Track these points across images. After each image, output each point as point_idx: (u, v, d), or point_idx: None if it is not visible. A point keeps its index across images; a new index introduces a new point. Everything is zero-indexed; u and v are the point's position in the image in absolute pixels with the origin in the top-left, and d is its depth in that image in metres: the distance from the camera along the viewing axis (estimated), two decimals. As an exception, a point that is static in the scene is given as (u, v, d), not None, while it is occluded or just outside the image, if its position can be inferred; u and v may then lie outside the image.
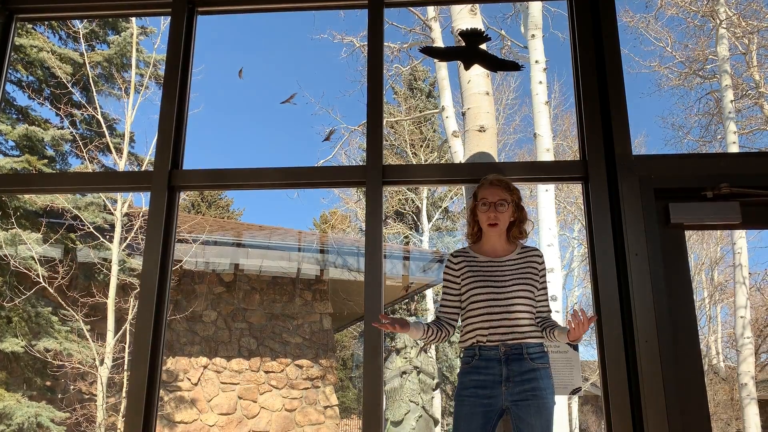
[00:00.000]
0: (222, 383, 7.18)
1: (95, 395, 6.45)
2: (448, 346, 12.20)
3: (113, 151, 7.28)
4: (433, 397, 7.98)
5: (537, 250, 2.32)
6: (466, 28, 3.24)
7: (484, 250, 2.29)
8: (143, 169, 7.18)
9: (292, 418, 7.29)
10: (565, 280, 12.75)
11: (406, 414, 7.31)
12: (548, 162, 4.31)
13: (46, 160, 6.90)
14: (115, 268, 6.55)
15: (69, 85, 7.29)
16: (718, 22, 9.28)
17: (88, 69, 7.37)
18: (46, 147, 7.23)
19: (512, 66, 3.05)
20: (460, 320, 2.28)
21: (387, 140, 12.96)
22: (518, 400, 2.10)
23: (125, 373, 6.33)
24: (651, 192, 2.51)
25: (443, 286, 2.32)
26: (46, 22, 7.48)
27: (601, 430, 12.21)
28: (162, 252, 2.60)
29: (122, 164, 7.18)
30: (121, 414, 6.38)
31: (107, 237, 6.71)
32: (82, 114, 7.55)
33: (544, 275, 2.28)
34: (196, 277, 7.48)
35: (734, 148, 8.82)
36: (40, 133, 6.96)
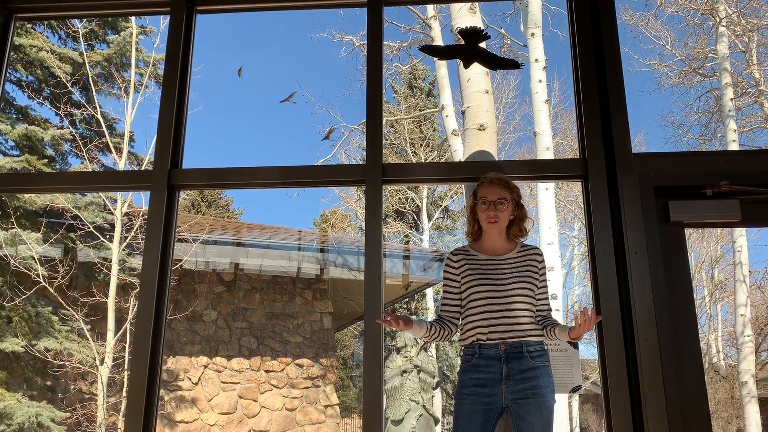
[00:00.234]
0: (222, 383, 7.18)
1: (96, 395, 6.46)
2: (448, 345, 12.21)
3: (113, 150, 7.28)
4: (433, 396, 7.98)
5: (537, 248, 2.32)
6: (466, 27, 3.24)
7: (483, 248, 2.30)
8: (143, 168, 7.18)
9: (292, 418, 7.29)
10: (566, 278, 12.75)
11: (406, 413, 7.31)
12: (548, 160, 4.31)
13: (45, 160, 6.90)
14: (115, 267, 6.55)
15: (69, 85, 7.29)
16: (718, 20, 9.28)
17: (87, 68, 7.37)
18: (46, 147, 7.23)
19: (512, 64, 3.05)
20: (461, 318, 2.28)
21: (387, 139, 12.96)
22: (518, 399, 2.10)
23: (125, 372, 6.33)
24: (651, 190, 2.51)
25: (443, 285, 2.32)
26: (46, 22, 7.47)
27: (601, 429, 12.21)
28: (162, 251, 2.60)
29: (122, 164, 7.18)
30: (121, 413, 6.38)
31: (107, 236, 6.71)
32: (82, 113, 7.54)
33: (544, 273, 2.28)
34: (197, 277, 7.48)
35: (734, 146, 8.81)
36: (40, 132, 6.96)
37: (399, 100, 14.56)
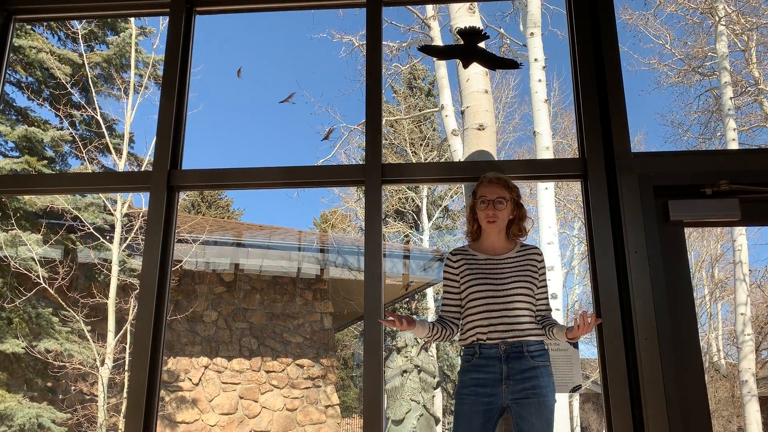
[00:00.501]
0: (223, 383, 7.19)
1: (96, 396, 6.46)
2: (448, 345, 12.21)
3: (113, 151, 7.28)
4: (434, 396, 7.99)
5: (536, 248, 2.32)
6: (465, 27, 3.24)
7: (483, 248, 2.30)
8: (143, 169, 7.18)
9: (293, 418, 7.29)
10: (566, 278, 12.75)
11: (407, 413, 7.31)
12: (547, 160, 4.31)
13: (45, 161, 6.90)
14: (115, 268, 6.55)
15: (68, 86, 7.29)
16: (717, 19, 9.28)
17: (87, 70, 7.37)
18: (46, 148, 7.23)
19: (511, 64, 3.05)
20: (461, 318, 2.28)
21: (387, 139, 12.96)
22: (519, 399, 2.10)
23: (126, 373, 6.33)
24: (650, 189, 2.51)
25: (444, 286, 2.32)
26: (45, 23, 7.48)
27: (602, 428, 12.21)
28: (162, 252, 2.60)
29: (122, 165, 7.18)
30: (122, 414, 6.38)
31: (107, 237, 6.71)
32: (82, 115, 7.54)
33: (544, 273, 2.28)
34: (197, 277, 7.48)
35: (734, 145, 8.81)
36: (40, 134, 6.96)
37: (399, 100, 14.56)
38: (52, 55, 7.30)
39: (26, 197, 6.58)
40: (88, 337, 6.36)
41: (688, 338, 2.42)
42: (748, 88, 9.81)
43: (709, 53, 9.87)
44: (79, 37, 7.49)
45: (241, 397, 7.19)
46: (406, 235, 13.29)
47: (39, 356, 6.21)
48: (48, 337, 6.32)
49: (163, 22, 7.41)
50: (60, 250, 6.73)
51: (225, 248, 7.53)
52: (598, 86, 2.67)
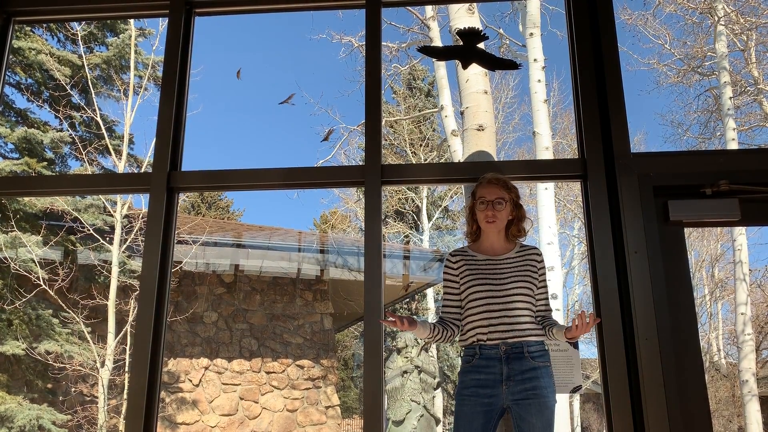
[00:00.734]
0: (223, 384, 7.18)
1: (96, 397, 6.46)
2: (449, 345, 12.20)
3: (113, 152, 7.28)
4: (434, 397, 7.98)
5: (536, 248, 2.32)
6: (464, 27, 3.24)
7: (482, 248, 2.30)
8: (142, 170, 7.18)
9: (293, 419, 7.29)
10: (566, 278, 12.75)
11: (407, 413, 7.31)
12: (547, 160, 4.31)
13: (45, 163, 6.90)
14: (115, 269, 6.55)
15: (68, 87, 7.29)
16: (717, 18, 9.28)
17: (86, 71, 7.37)
18: (46, 149, 7.23)
19: (510, 65, 3.05)
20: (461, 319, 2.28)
21: (386, 140, 12.96)
22: (519, 399, 2.10)
23: (126, 374, 6.33)
24: (650, 189, 2.51)
25: (444, 287, 2.32)
26: (45, 25, 7.48)
27: (602, 428, 12.21)
28: (161, 253, 2.60)
29: (122, 166, 7.18)
30: (122, 416, 6.38)
31: (107, 239, 6.71)
32: (81, 116, 7.55)
33: (544, 273, 2.28)
34: (197, 279, 7.48)
35: (733, 145, 8.82)
36: (40, 135, 6.96)
37: (398, 101, 14.56)
38: (51, 57, 7.31)
39: (26, 199, 6.58)
40: (89, 339, 6.36)
41: (688, 338, 2.42)
42: (748, 88, 9.81)
43: (709, 53, 9.88)
44: (79, 38, 7.50)
45: (241, 398, 7.19)
46: (406, 236, 13.29)
47: (39, 358, 6.21)
48: (48, 338, 6.32)
49: (162, 23, 7.41)
50: (60, 252, 6.73)
51: (225, 249, 7.53)
52: (598, 86, 2.67)
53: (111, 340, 6.41)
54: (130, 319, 6.46)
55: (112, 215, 6.79)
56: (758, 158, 2.65)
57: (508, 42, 7.52)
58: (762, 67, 9.70)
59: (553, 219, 6.08)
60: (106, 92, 7.71)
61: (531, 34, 6.29)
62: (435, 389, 7.78)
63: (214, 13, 3.11)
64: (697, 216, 2.52)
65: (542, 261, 2.29)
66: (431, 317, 11.72)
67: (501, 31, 7.54)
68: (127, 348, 6.38)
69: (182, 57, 2.91)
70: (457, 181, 3.10)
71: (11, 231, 6.33)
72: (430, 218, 13.36)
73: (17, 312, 6.26)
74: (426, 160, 12.83)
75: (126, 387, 6.29)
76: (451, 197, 13.56)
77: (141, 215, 6.78)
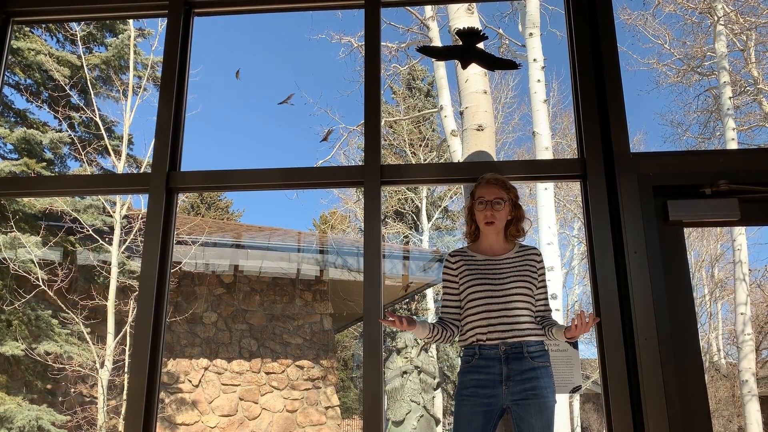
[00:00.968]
0: (223, 385, 7.18)
1: (96, 398, 6.45)
2: (448, 345, 12.20)
3: (112, 153, 7.28)
4: (434, 397, 7.98)
5: (535, 248, 2.32)
6: (463, 27, 3.24)
7: (481, 248, 2.30)
8: (142, 171, 7.18)
9: (293, 419, 7.29)
10: (565, 278, 12.75)
11: (407, 414, 7.31)
12: (546, 160, 4.30)
13: (44, 163, 6.90)
14: (114, 270, 6.54)
15: (67, 88, 7.29)
16: (716, 18, 9.28)
17: (85, 71, 7.37)
18: (45, 150, 7.22)
19: (509, 64, 3.05)
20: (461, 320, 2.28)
21: (386, 140, 12.96)
22: (519, 400, 2.10)
23: (126, 375, 6.33)
24: (650, 189, 2.51)
25: (443, 287, 2.32)
26: (44, 25, 7.47)
27: (602, 428, 12.21)
28: (161, 254, 2.59)
29: (121, 166, 7.18)
30: (121, 416, 6.37)
31: (106, 239, 6.70)
32: (81, 116, 7.54)
33: (543, 274, 2.28)
34: (196, 279, 7.48)
35: (733, 145, 8.82)
36: (39, 136, 6.95)
37: (398, 101, 14.56)
38: (50, 57, 7.30)
39: (25, 199, 6.58)
40: (88, 339, 6.36)
41: (688, 338, 2.42)
42: (747, 88, 9.81)
43: (708, 53, 9.88)
44: (78, 38, 7.49)
45: (241, 399, 7.18)
46: (406, 236, 13.28)
47: (38, 358, 6.20)
48: (47, 339, 6.32)
49: (161, 23, 7.41)
50: (59, 252, 6.73)
51: (224, 249, 7.53)
52: (597, 86, 2.67)
53: (110, 340, 6.40)
54: (130, 319, 6.45)
55: (111, 216, 6.78)
56: (758, 158, 2.65)
57: (507, 42, 7.52)
58: (761, 67, 9.71)
59: (553, 219, 6.08)
60: (106, 93, 7.71)
61: (530, 34, 6.29)
62: (435, 389, 7.78)
63: (213, 13, 3.11)
64: (696, 216, 2.52)
65: (541, 261, 2.29)
66: (431, 317, 11.72)
67: (500, 31, 7.54)
68: (127, 348, 6.38)
69: (181, 57, 2.91)
70: (457, 181, 3.10)
71: (10, 232, 6.33)
72: (429, 218, 13.36)
73: (16, 313, 6.25)
74: (425, 160, 12.83)
75: (125, 387, 6.28)
76: (451, 197, 13.56)
77: (140, 216, 6.78)
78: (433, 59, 7.51)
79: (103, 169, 7.66)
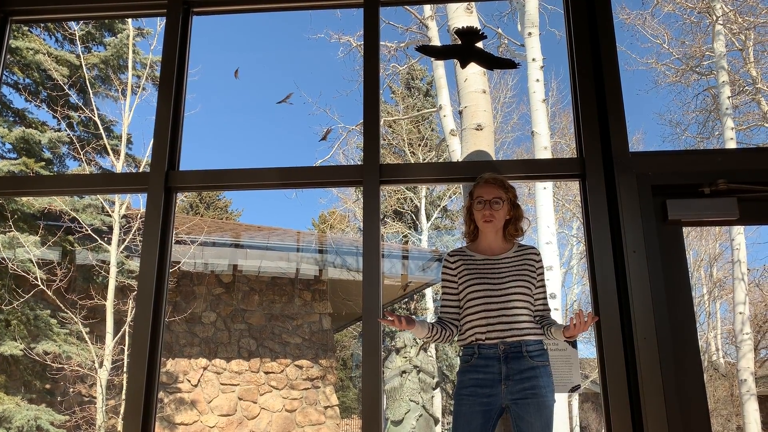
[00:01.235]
0: (222, 384, 7.18)
1: (95, 398, 6.45)
2: (447, 345, 12.21)
3: (111, 152, 7.27)
4: (433, 396, 7.98)
5: (534, 248, 2.32)
6: (463, 27, 3.24)
7: (480, 248, 2.30)
8: (141, 170, 7.17)
9: (292, 419, 7.28)
10: (564, 277, 12.75)
11: (406, 413, 7.31)
12: (545, 160, 4.31)
13: (43, 163, 6.89)
14: (113, 270, 6.54)
15: (66, 87, 7.28)
16: (715, 18, 9.29)
17: (84, 71, 7.36)
18: (44, 149, 7.22)
19: (508, 64, 3.05)
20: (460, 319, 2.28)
21: (385, 139, 12.96)
22: (518, 399, 2.10)
23: (124, 375, 6.32)
24: (648, 189, 2.51)
25: (442, 287, 2.32)
26: (42, 24, 7.46)
27: (601, 428, 12.21)
28: (159, 253, 2.59)
29: (120, 166, 7.17)
30: (120, 416, 6.37)
31: (105, 239, 6.70)
32: (79, 116, 7.53)
33: (542, 273, 2.28)
34: (195, 279, 7.48)
35: (732, 144, 8.82)
36: (37, 135, 6.95)
37: (397, 101, 14.56)
38: (49, 57, 7.29)
39: (24, 199, 6.57)
40: (87, 339, 6.35)
41: (686, 337, 2.42)
42: (746, 87, 9.82)
43: (707, 52, 9.89)
44: (77, 38, 7.48)
45: (240, 399, 7.18)
46: (405, 236, 13.29)
47: (37, 358, 6.20)
48: (46, 338, 6.31)
49: (160, 23, 7.40)
50: (58, 252, 6.72)
51: (223, 249, 7.52)
52: (596, 86, 2.67)
53: (109, 340, 6.40)
54: (129, 319, 6.45)
55: (110, 215, 6.78)
56: (756, 157, 2.65)
57: (506, 41, 7.52)
58: (760, 67, 9.71)
59: (552, 218, 6.08)
60: (104, 92, 7.70)
61: (529, 33, 6.30)
62: (434, 389, 7.78)
63: (212, 12, 3.11)
64: (695, 215, 2.52)
65: (540, 261, 2.29)
66: (430, 317, 11.72)
67: (499, 30, 7.54)
68: (126, 348, 6.38)
69: (180, 57, 2.91)
70: (456, 180, 3.11)
71: (9, 231, 6.32)
72: (428, 218, 13.36)
73: (15, 312, 6.25)
74: (424, 159, 12.84)
75: (124, 387, 6.28)
76: (450, 197, 13.56)
77: (139, 215, 6.77)
78: (432, 59, 7.52)
79: (102, 169, 7.66)
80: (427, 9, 7.53)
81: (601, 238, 2.47)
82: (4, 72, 3.11)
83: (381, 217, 2.66)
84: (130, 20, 7.53)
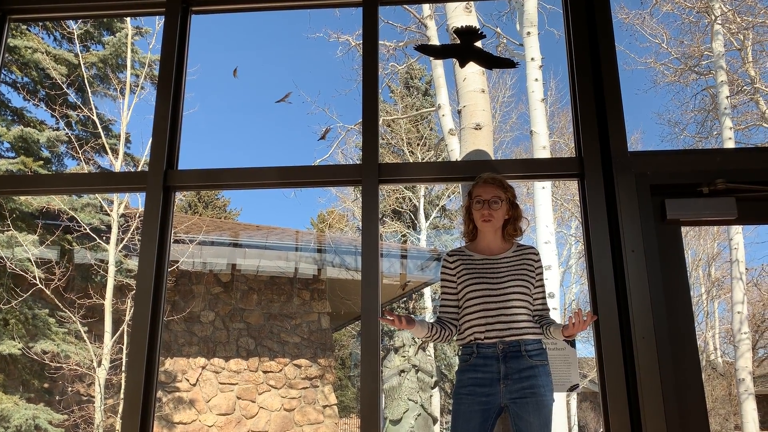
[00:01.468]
0: (220, 383, 7.18)
1: (93, 397, 6.44)
2: (446, 344, 12.21)
3: (109, 151, 7.26)
4: (431, 396, 7.99)
5: (533, 248, 2.32)
6: (462, 26, 3.24)
7: (479, 248, 2.30)
8: (139, 169, 7.16)
9: (291, 418, 7.29)
10: (563, 277, 12.76)
11: (405, 412, 7.31)
12: (544, 159, 4.31)
13: (41, 162, 6.88)
14: (111, 269, 6.53)
15: (64, 86, 7.27)
16: (713, 18, 9.29)
17: (83, 70, 7.35)
18: (42, 148, 7.20)
19: (507, 63, 3.05)
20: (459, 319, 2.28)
21: (384, 138, 12.95)
22: (517, 398, 2.10)
23: (123, 374, 6.32)
24: (647, 188, 2.51)
25: (441, 287, 2.32)
26: (41, 23, 7.45)
27: (600, 427, 12.22)
28: (158, 253, 2.59)
29: (118, 165, 7.16)
30: (119, 415, 6.37)
31: (104, 238, 6.69)
32: (78, 115, 7.52)
33: (541, 273, 2.28)
34: (194, 278, 7.47)
35: (730, 144, 8.83)
36: (36, 134, 6.94)
37: (395, 100, 14.56)
38: (47, 55, 7.28)
39: (22, 198, 6.56)
40: (85, 338, 6.35)
41: (685, 337, 2.42)
42: (744, 87, 9.83)
43: (706, 52, 9.89)
44: (75, 37, 7.47)
45: (238, 398, 7.18)
46: (404, 235, 13.29)
47: (36, 357, 6.19)
48: (44, 338, 6.30)
49: (159, 21, 7.38)
50: (56, 251, 6.71)
51: (222, 248, 7.52)
52: (595, 85, 2.68)
53: (108, 339, 6.39)
54: (127, 318, 6.44)
55: (108, 214, 6.77)
56: (755, 157, 2.66)
57: (505, 41, 7.52)
58: (758, 66, 9.73)
59: (551, 218, 6.08)
60: (103, 91, 7.69)
61: (528, 32, 6.30)
62: (432, 388, 7.79)
63: (211, 11, 3.11)
64: (693, 215, 2.52)
65: (539, 260, 2.29)
66: (429, 316, 11.73)
67: (498, 29, 7.54)
68: (124, 347, 6.37)
69: (179, 55, 2.90)
70: (455, 180, 3.11)
71: (7, 230, 6.31)
72: (427, 217, 13.37)
73: (13, 311, 6.24)
74: (423, 159, 12.83)
75: (123, 386, 6.27)
76: (449, 196, 13.56)
77: (137, 214, 6.76)
78: (431, 58, 7.52)
79: (101, 168, 7.65)
80: (426, 8, 7.53)
81: (599, 238, 2.48)
82: (3, 71, 3.11)
83: (380, 216, 2.66)
84: (128, 19, 7.52)
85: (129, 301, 6.46)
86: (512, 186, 2.34)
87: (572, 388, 2.60)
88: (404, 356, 7.61)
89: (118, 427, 6.40)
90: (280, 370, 7.42)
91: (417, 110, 13.84)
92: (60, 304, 6.38)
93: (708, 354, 12.40)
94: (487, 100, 4.13)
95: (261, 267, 7.59)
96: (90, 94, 7.37)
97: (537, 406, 2.09)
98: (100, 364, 6.34)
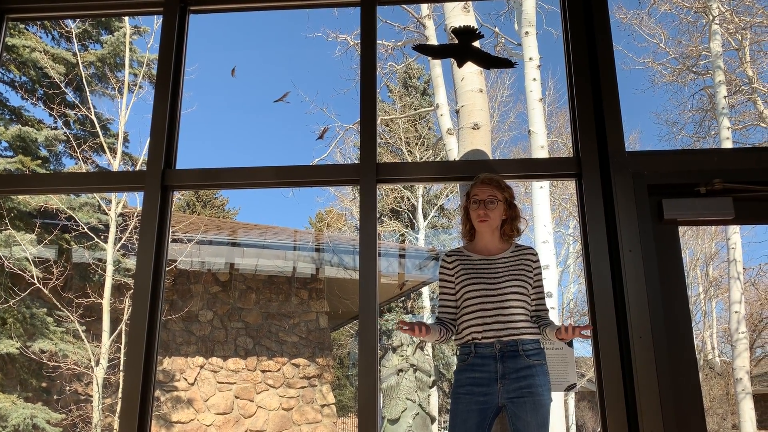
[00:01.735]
0: (218, 383, 7.17)
1: (91, 396, 6.44)
2: (444, 344, 12.21)
3: (107, 151, 7.25)
4: (429, 395, 7.99)
5: (531, 248, 2.32)
6: (460, 26, 3.24)
7: (477, 248, 2.30)
8: (137, 168, 7.16)
9: (289, 417, 7.29)
10: (561, 276, 12.78)
11: (402, 412, 7.31)
12: (542, 159, 4.31)
13: (39, 161, 6.87)
14: (110, 268, 6.53)
15: (62, 85, 7.26)
16: (711, 18, 9.31)
17: (81, 69, 7.34)
18: (40, 147, 7.20)
19: (505, 63, 3.06)
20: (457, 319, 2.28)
21: (382, 138, 12.96)
22: (514, 398, 2.11)
23: (121, 373, 6.31)
24: (644, 188, 2.52)
25: (440, 287, 2.33)
26: (39, 22, 7.44)
27: (597, 426, 12.24)
28: (156, 252, 2.59)
29: (116, 164, 7.15)
30: (117, 415, 6.36)
31: (102, 237, 6.68)
32: (76, 114, 7.52)
33: (539, 273, 2.29)
34: (192, 277, 7.47)
35: (728, 144, 8.85)
36: (34, 133, 6.93)
37: (394, 99, 14.57)
38: (45, 55, 7.27)
39: (20, 197, 6.56)
40: (83, 338, 6.34)
41: (682, 336, 2.43)
42: (742, 87, 9.85)
43: (703, 52, 9.91)
44: (73, 36, 7.46)
45: (236, 397, 7.18)
46: (402, 234, 13.29)
47: (33, 356, 6.19)
48: (42, 337, 6.30)
49: (157, 21, 7.38)
50: (54, 250, 6.71)
51: (220, 248, 7.51)
52: (593, 85, 2.68)
53: (106, 338, 6.39)
54: (125, 317, 6.44)
55: (106, 213, 6.76)
56: (752, 157, 2.66)
57: (503, 41, 7.53)
58: (756, 66, 9.74)
59: (549, 217, 6.09)
60: (101, 90, 7.68)
61: (526, 32, 6.30)
62: (430, 388, 7.79)
63: (209, 10, 3.10)
64: (691, 214, 2.53)
65: (537, 261, 2.30)
66: (427, 315, 11.74)
67: (496, 29, 7.55)
68: (122, 347, 6.37)
69: (177, 55, 2.90)
70: (453, 179, 3.11)
71: (5, 229, 6.30)
72: (425, 217, 13.37)
73: (11, 311, 6.23)
74: (421, 158, 12.84)
75: (121, 386, 6.27)
76: (447, 196, 13.57)
77: (136, 213, 6.76)
78: (429, 58, 7.53)
79: (99, 167, 7.64)
80: (425, 8, 7.53)
81: (597, 237, 2.48)
82: (1, 70, 3.10)
83: (378, 215, 2.66)
84: (127, 18, 7.52)
85: (127, 300, 6.45)
86: (510, 186, 2.34)
87: (570, 388, 2.61)
88: (402, 355, 7.61)
89: (116, 426, 6.40)
90: (279, 370, 7.42)
91: (415, 110, 13.84)
92: (58, 304, 6.38)
93: (705, 353, 12.42)
94: (485, 100, 4.13)
95: (259, 266, 7.59)
96: (88, 94, 7.37)
97: (534, 406, 2.10)
98: (98, 363, 6.33)
